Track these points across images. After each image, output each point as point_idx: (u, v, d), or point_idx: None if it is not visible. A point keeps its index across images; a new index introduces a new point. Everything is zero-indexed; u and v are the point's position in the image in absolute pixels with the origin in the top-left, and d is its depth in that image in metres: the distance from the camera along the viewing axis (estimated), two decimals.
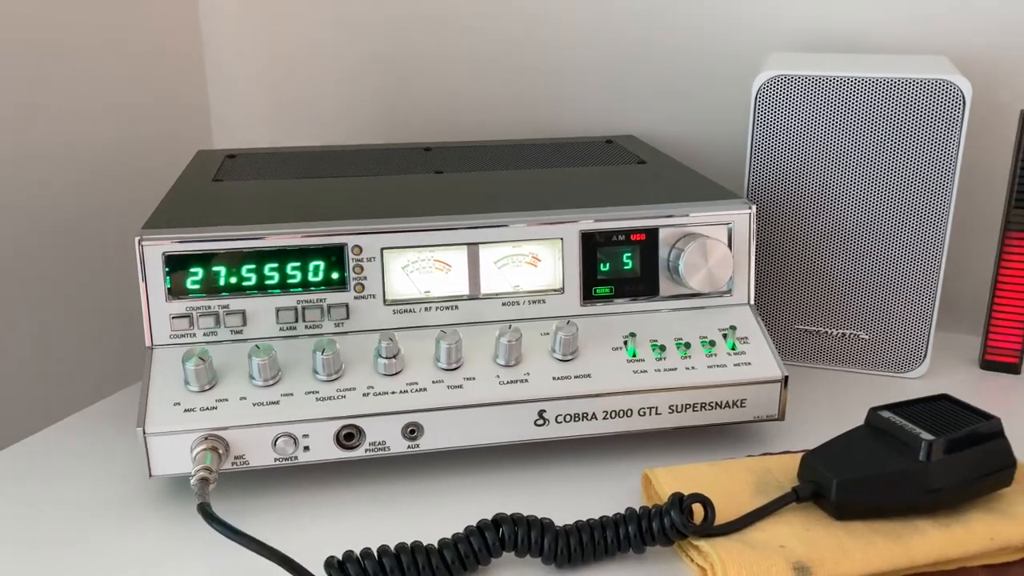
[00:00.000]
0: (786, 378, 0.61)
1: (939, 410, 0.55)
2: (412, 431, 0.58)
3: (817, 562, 0.48)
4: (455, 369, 0.60)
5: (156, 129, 1.02)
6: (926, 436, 0.51)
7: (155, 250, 0.59)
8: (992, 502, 0.52)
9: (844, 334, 0.74)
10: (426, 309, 0.62)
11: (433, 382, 0.59)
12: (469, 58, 0.98)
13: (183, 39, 1.05)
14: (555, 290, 0.63)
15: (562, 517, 0.54)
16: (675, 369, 0.61)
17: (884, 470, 0.51)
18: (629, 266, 0.64)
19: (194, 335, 0.60)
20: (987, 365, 0.75)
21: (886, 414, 0.54)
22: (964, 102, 0.66)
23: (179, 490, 0.59)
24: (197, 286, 0.60)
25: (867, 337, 0.73)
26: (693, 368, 0.61)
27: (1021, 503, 0.52)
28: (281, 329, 0.61)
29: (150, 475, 0.56)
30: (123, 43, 0.97)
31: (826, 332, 0.74)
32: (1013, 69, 0.78)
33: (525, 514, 0.51)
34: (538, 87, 0.96)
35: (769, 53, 0.82)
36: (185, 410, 0.56)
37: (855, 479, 0.51)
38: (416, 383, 0.59)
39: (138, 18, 0.98)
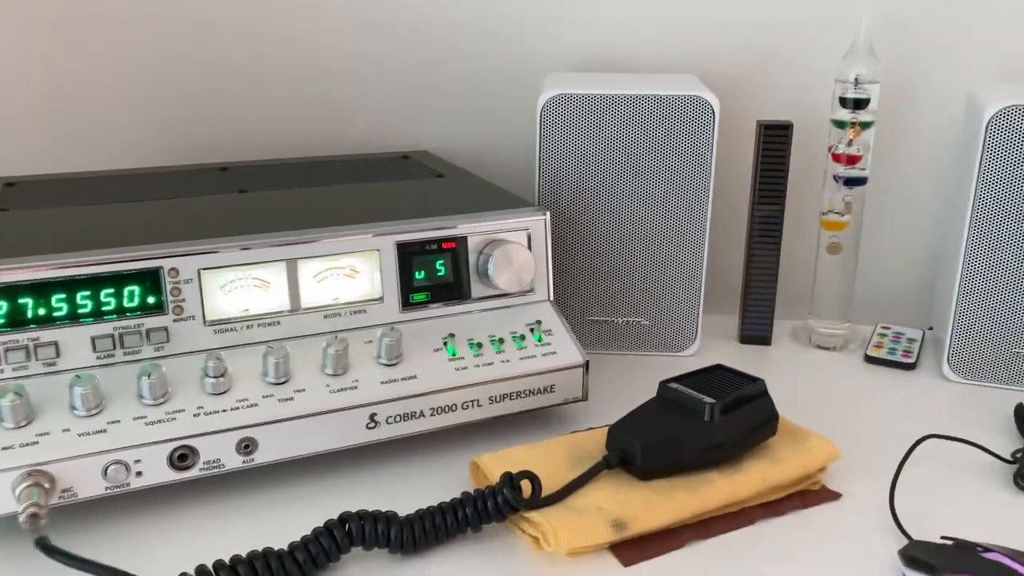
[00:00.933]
0: (587, 363, 0.69)
1: (716, 378, 0.64)
2: (247, 446, 0.60)
3: (631, 518, 0.56)
4: (284, 383, 0.62)
5: None
6: (708, 400, 0.60)
7: None
8: (763, 451, 0.63)
9: (629, 321, 0.83)
10: (248, 327, 0.63)
11: (263, 397, 0.61)
12: (258, 76, 0.98)
13: None
14: (375, 299, 0.67)
15: (402, 511, 0.58)
16: (492, 363, 0.67)
17: (677, 432, 0.60)
18: (442, 272, 0.68)
19: (2, 371, 0.58)
20: (745, 340, 0.87)
21: (674, 385, 0.63)
22: (714, 115, 0.77)
23: (7, 532, 0.56)
24: (2, 320, 0.57)
25: (648, 323, 0.83)
26: (507, 361, 0.67)
27: (784, 448, 0.63)
28: (99, 357, 0.60)
29: None
30: None
31: (614, 321, 0.83)
32: (750, 85, 0.92)
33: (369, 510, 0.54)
34: (330, 104, 0.99)
35: (548, 73, 0.90)
36: (3, 448, 0.54)
37: (655, 443, 0.59)
38: (246, 399, 0.60)
39: None
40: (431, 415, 0.65)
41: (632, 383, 0.78)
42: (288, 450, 0.61)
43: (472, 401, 0.66)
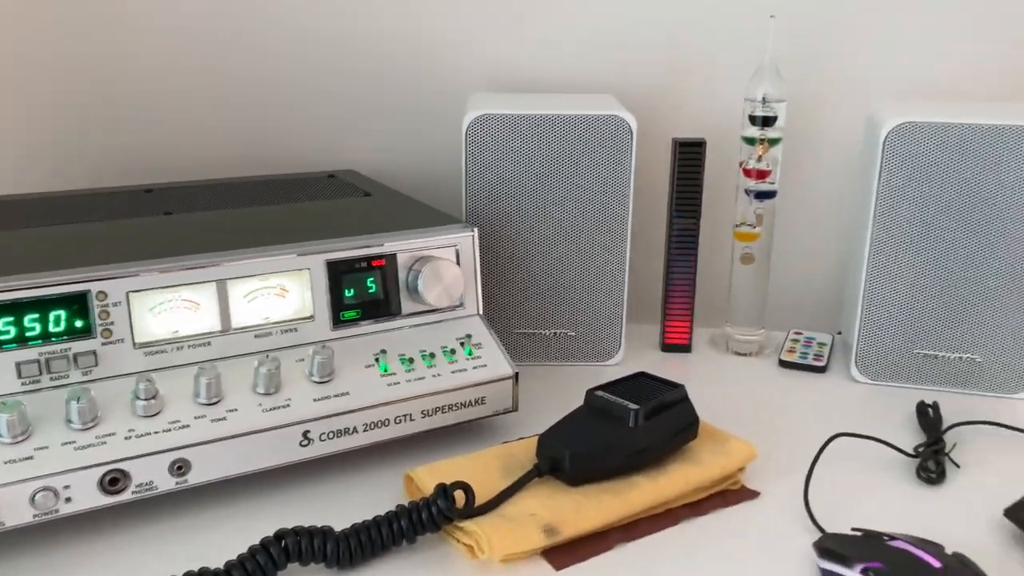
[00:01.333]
0: (516, 375, 0.71)
1: (639, 385, 0.67)
2: (179, 468, 0.60)
3: (562, 523, 0.58)
4: (216, 403, 0.62)
5: None
6: (632, 406, 0.63)
7: None
8: (685, 454, 0.66)
9: (556, 333, 0.86)
10: (178, 349, 0.64)
11: (195, 418, 0.61)
12: (181, 97, 0.98)
13: None
14: (306, 318, 0.67)
15: (337, 526, 0.59)
16: (423, 378, 0.68)
17: (604, 439, 0.62)
18: (373, 290, 0.70)
19: None
20: (667, 348, 0.91)
21: (600, 393, 0.66)
22: (631, 133, 0.80)
23: None
24: None
25: (574, 334, 0.86)
26: (439, 375, 0.69)
27: (705, 451, 0.66)
28: (24, 384, 0.59)
29: None
30: None
31: (541, 333, 0.86)
32: (666, 104, 0.95)
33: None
34: (255, 124, 0.99)
35: (472, 92, 0.93)
36: None
37: (583, 450, 0.61)
38: (178, 421, 0.61)
39: None
40: (364, 431, 0.66)
41: (560, 393, 0.81)
42: (222, 470, 0.61)
43: (405, 416, 0.67)
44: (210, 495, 0.64)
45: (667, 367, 0.87)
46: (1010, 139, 0.74)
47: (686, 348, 0.91)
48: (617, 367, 0.87)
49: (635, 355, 0.89)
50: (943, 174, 0.76)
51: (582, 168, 0.81)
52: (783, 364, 0.87)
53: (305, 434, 0.64)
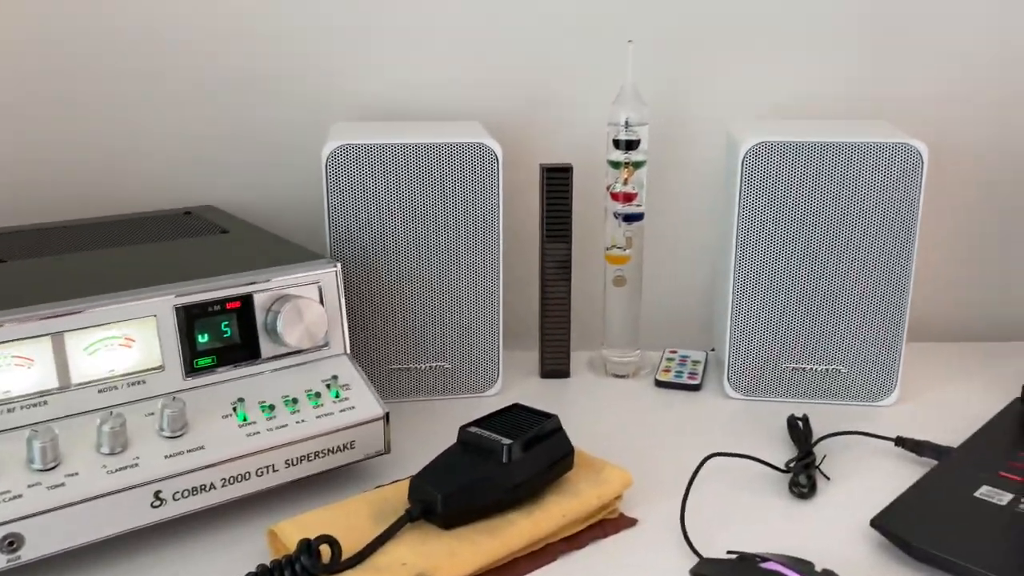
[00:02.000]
0: (387, 415, 0.68)
1: (513, 418, 0.65)
2: (11, 543, 0.54)
3: (435, 569, 0.55)
4: (53, 468, 0.57)
5: None
6: (505, 441, 0.61)
7: None
8: (562, 486, 0.64)
9: (431, 367, 0.83)
10: (10, 410, 0.58)
11: (29, 486, 0.56)
12: (15, 134, 0.91)
13: None
14: (155, 368, 0.63)
15: None
16: (286, 425, 0.64)
17: (477, 477, 0.60)
18: (228, 334, 0.66)
19: None
20: (546, 374, 0.90)
21: (473, 429, 0.64)
22: (497, 160, 0.79)
23: None
24: None
25: (450, 367, 0.84)
26: (303, 421, 0.65)
27: (582, 481, 0.64)
28: None
29: None
30: None
31: (416, 368, 0.83)
32: (533, 132, 0.95)
33: None
34: (103, 162, 0.93)
35: (332, 123, 0.90)
36: None
37: (456, 490, 0.59)
38: (9, 491, 0.55)
39: None
40: (223, 486, 0.61)
41: (437, 429, 0.78)
42: (62, 541, 0.56)
43: (267, 467, 0.63)
44: (50, 570, 0.58)
45: (547, 394, 0.86)
46: (859, 156, 0.77)
47: (565, 373, 0.90)
48: (496, 397, 0.85)
49: (514, 384, 0.88)
50: (800, 191, 0.78)
51: (449, 197, 0.80)
52: (659, 384, 0.87)
53: (157, 494, 0.59)
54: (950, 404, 0.83)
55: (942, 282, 1.01)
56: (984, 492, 0.64)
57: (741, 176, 0.79)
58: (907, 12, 0.93)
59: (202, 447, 0.61)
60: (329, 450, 0.66)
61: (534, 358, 0.94)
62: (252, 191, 0.95)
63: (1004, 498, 0.63)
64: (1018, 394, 0.83)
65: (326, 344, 0.70)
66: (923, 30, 0.93)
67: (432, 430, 0.78)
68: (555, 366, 0.90)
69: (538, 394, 0.86)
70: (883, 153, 0.77)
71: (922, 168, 0.77)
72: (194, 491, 0.60)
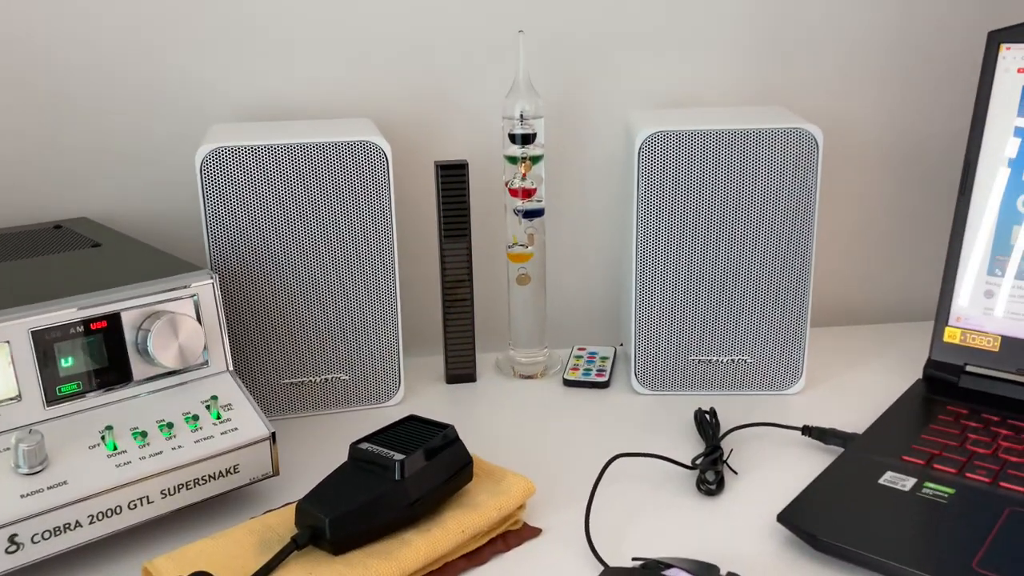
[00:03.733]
0: (273, 434, 0.64)
1: (408, 430, 0.62)
2: None
3: None
4: None
5: None
6: (397, 456, 0.58)
7: None
8: (461, 499, 0.61)
9: (327, 379, 0.79)
10: None
11: None
12: None
13: None
14: (10, 399, 0.57)
15: None
16: (161, 452, 0.60)
17: (370, 497, 0.56)
18: (95, 357, 0.61)
19: None
20: (451, 379, 0.86)
21: (364, 445, 0.60)
22: (386, 158, 0.76)
23: None
24: None
25: (347, 378, 0.80)
26: (180, 447, 0.61)
27: (481, 493, 0.62)
28: None
29: None
30: None
31: (311, 381, 0.79)
32: (429, 129, 0.91)
33: None
34: None
35: (210, 125, 0.85)
36: None
37: (345, 513, 0.55)
38: None
39: None
40: (91, 523, 0.56)
41: (334, 446, 0.74)
42: None
43: (141, 499, 0.58)
44: None
45: (453, 399, 0.83)
46: (754, 142, 0.76)
47: (471, 377, 0.87)
48: (399, 407, 0.81)
49: (417, 392, 0.85)
50: (697, 180, 0.77)
51: (337, 200, 0.76)
52: (567, 383, 0.85)
53: (12, 539, 0.54)
54: (855, 389, 0.83)
55: (842, 266, 1.01)
56: (888, 478, 0.64)
57: (638, 167, 0.77)
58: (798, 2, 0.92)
59: (64, 482, 0.56)
60: (211, 476, 0.61)
61: (439, 363, 0.91)
62: (130, 203, 0.89)
63: (907, 483, 0.63)
64: (919, 375, 0.83)
65: (205, 362, 0.66)
66: (814, 17, 0.93)
67: (330, 447, 0.74)
68: (460, 370, 0.87)
69: (443, 400, 0.83)
70: (778, 138, 0.76)
71: (818, 152, 0.76)
72: (56, 531, 0.55)
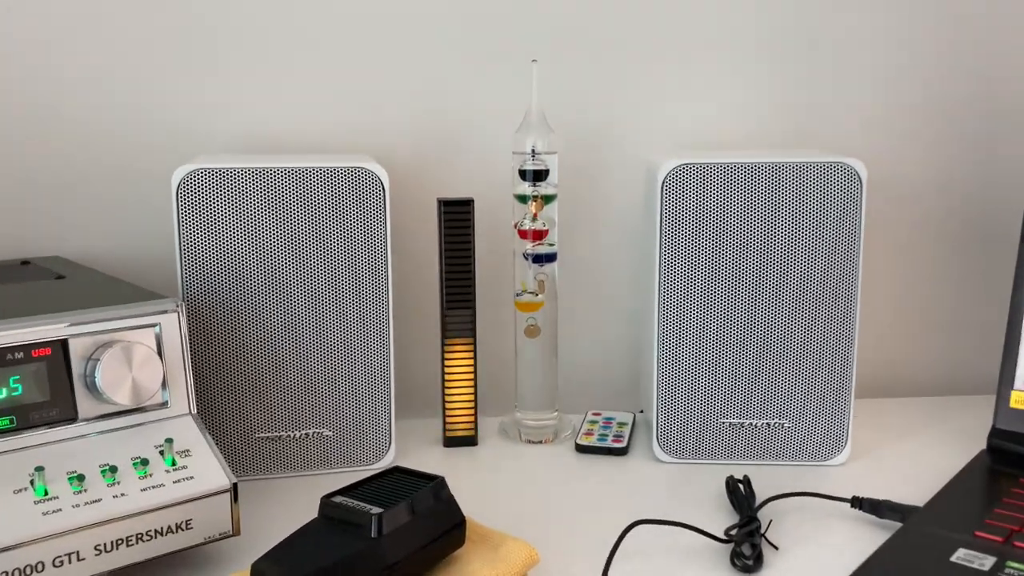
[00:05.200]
0: (235, 485, 0.55)
1: (390, 483, 0.53)
2: None
3: None
4: None
5: None
6: (374, 511, 0.49)
7: None
8: (450, 566, 0.51)
9: (308, 434, 0.70)
10: None
11: None
12: None
13: None
14: None
15: None
16: (99, 500, 0.51)
17: (338, 556, 0.47)
18: (34, 388, 0.52)
19: None
20: (450, 442, 0.77)
21: (338, 498, 0.51)
22: (383, 188, 0.69)
23: None
24: None
25: (331, 434, 0.71)
26: (123, 495, 0.52)
27: (475, 560, 0.52)
28: None
29: None
30: None
31: (290, 435, 0.70)
32: (432, 167, 0.85)
33: None
34: None
35: (196, 155, 0.79)
36: None
37: (308, 575, 0.46)
38: None
39: None
40: None
41: (309, 509, 0.65)
42: None
43: (70, 555, 0.49)
44: None
45: (450, 464, 0.73)
46: (790, 178, 0.69)
47: (472, 441, 0.77)
48: None
49: (411, 454, 0.75)
50: (728, 221, 0.69)
51: (327, 231, 0.68)
52: (580, 449, 0.75)
53: None
54: (907, 462, 0.73)
55: (884, 337, 0.92)
56: (962, 556, 0.53)
57: (661, 205, 0.70)
58: (833, 39, 0.86)
59: None
60: (158, 531, 0.52)
61: (436, 425, 0.82)
62: (106, 241, 0.82)
63: (986, 562, 0.53)
64: (981, 447, 0.73)
65: (165, 403, 0.57)
66: (850, 57, 0.87)
67: (303, 510, 0.64)
68: (460, 432, 0.77)
69: (439, 465, 0.73)
70: (817, 174, 0.69)
71: (861, 190, 0.69)
72: None
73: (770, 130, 0.87)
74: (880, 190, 0.89)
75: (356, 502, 0.50)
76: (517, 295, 0.78)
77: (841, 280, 0.70)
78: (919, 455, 0.74)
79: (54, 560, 0.49)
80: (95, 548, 0.50)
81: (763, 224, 0.69)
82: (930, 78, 0.88)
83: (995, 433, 0.71)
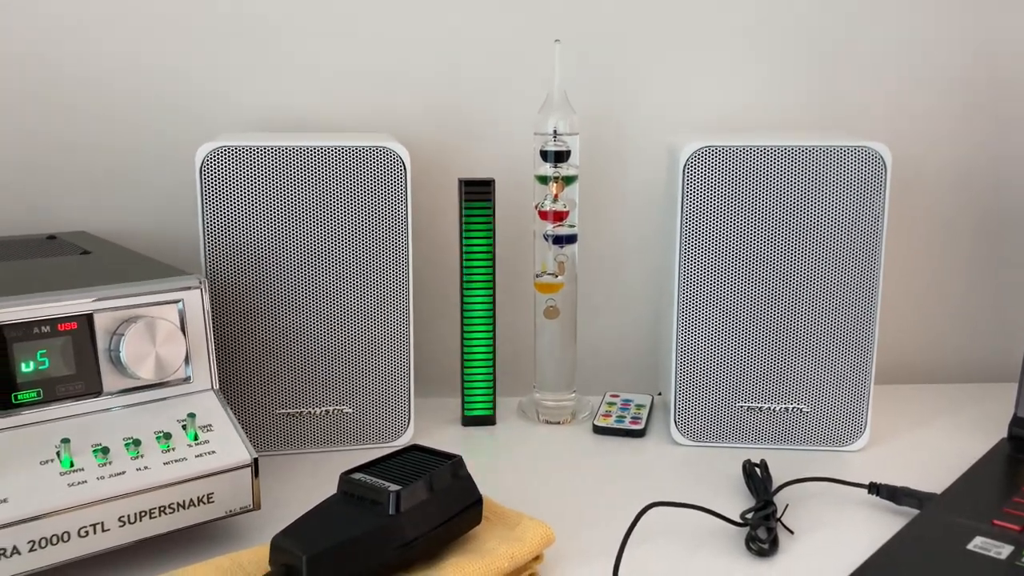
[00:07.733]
0: (256, 460, 0.56)
1: (408, 461, 0.53)
2: None
3: None
4: None
5: None
6: (392, 488, 0.49)
7: None
8: (466, 544, 0.52)
9: (328, 411, 0.71)
10: None
11: None
12: None
13: None
14: None
15: None
16: (123, 473, 0.52)
17: (356, 533, 0.48)
18: (60, 362, 0.53)
19: None
20: (467, 421, 0.78)
21: (357, 475, 0.52)
22: (404, 167, 0.69)
23: None
24: None
25: (351, 411, 0.71)
26: (146, 468, 0.53)
27: (492, 538, 0.52)
28: None
29: None
30: None
31: (310, 412, 0.71)
32: (454, 147, 0.85)
33: None
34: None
35: (220, 133, 0.79)
36: None
37: (325, 551, 0.46)
38: None
39: None
40: (32, 551, 0.48)
41: (329, 485, 0.65)
42: None
43: (95, 525, 0.50)
44: None
45: (468, 444, 0.74)
46: (813, 162, 0.68)
47: (490, 420, 0.78)
48: None
49: (429, 432, 0.76)
50: (748, 204, 0.69)
51: (349, 209, 0.69)
52: (597, 430, 0.76)
53: None
54: (926, 449, 0.72)
55: (905, 323, 0.91)
56: (979, 544, 0.53)
57: (682, 187, 0.69)
58: (859, 24, 0.85)
59: (4, 500, 0.48)
60: (179, 505, 0.53)
61: (455, 404, 0.82)
62: (132, 217, 0.83)
63: (1003, 551, 0.53)
64: (1002, 435, 0.73)
65: (188, 378, 0.58)
66: (875, 42, 0.86)
67: (323, 486, 0.65)
68: (478, 412, 0.78)
69: (457, 443, 0.74)
70: (840, 158, 0.68)
71: (885, 175, 0.68)
72: None
73: (794, 114, 0.86)
74: (903, 175, 0.88)
75: (375, 479, 0.51)
76: (537, 276, 0.78)
77: (863, 265, 0.69)
78: (938, 442, 0.73)
79: (79, 531, 0.50)
80: (119, 519, 0.51)
81: (785, 208, 0.69)
82: (954, 64, 0.86)
83: (1016, 422, 0.70)
